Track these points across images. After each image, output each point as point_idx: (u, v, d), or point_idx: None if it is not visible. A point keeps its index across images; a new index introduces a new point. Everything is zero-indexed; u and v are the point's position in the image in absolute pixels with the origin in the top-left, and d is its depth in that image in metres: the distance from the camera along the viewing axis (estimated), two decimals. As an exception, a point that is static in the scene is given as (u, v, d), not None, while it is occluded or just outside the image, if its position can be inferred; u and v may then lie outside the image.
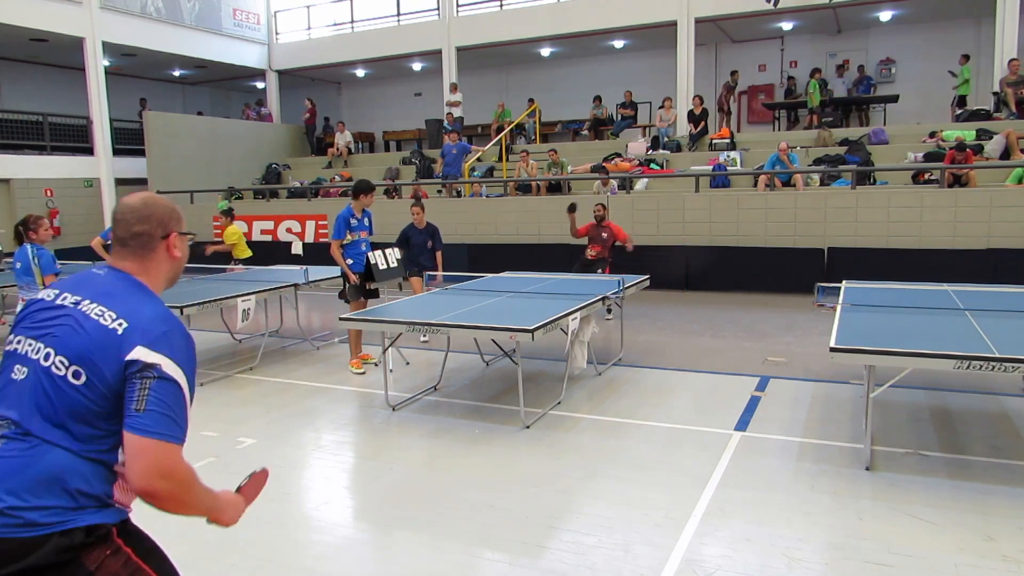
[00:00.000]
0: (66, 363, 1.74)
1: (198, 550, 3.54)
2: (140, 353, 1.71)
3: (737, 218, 11.21)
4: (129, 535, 1.85)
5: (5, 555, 1.64)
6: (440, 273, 7.95)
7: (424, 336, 6.11)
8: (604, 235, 9.54)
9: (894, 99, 15.07)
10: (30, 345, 1.81)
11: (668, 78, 16.31)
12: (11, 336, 1.87)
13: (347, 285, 6.97)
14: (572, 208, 9.48)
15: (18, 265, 6.10)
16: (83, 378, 1.73)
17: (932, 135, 12.73)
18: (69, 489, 1.70)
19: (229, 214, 10.88)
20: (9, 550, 1.64)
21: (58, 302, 1.84)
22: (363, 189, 6.97)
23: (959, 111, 13.89)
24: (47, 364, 1.76)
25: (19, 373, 1.79)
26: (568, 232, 9.86)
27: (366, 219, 7.09)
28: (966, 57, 14.33)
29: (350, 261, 6.91)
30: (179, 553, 3.52)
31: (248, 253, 10.85)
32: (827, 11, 15.08)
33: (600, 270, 9.65)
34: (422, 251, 8.15)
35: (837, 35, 17.09)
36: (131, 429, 1.68)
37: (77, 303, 1.82)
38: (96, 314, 1.78)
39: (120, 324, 1.76)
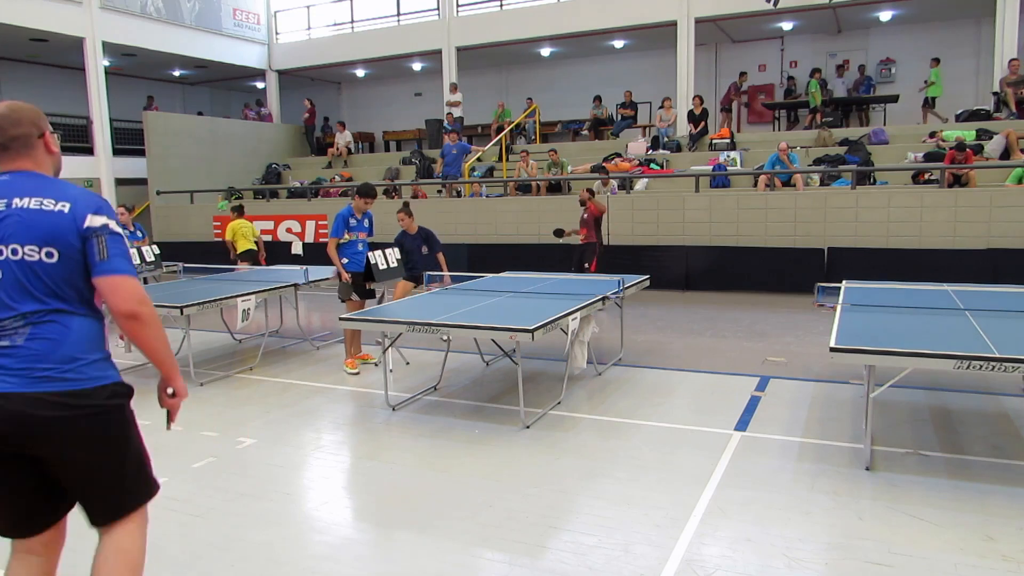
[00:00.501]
0: (36, 249, 2.14)
1: (198, 550, 3.54)
2: (91, 220, 2.17)
3: (737, 218, 11.21)
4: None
5: (81, 400, 2.14)
6: (445, 273, 7.92)
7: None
8: (585, 216, 9.93)
9: (894, 99, 15.08)
10: None
11: (668, 78, 16.31)
12: None
13: (340, 283, 6.99)
14: (559, 233, 9.85)
15: None
16: (55, 256, 2.15)
17: (932, 135, 12.74)
18: (99, 343, 2.24)
19: (239, 210, 11.05)
20: (85, 396, 2.14)
21: None
22: (364, 193, 6.98)
23: (959, 112, 13.90)
24: (17, 257, 2.14)
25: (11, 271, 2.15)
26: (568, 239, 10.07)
27: (366, 220, 7.11)
28: (936, 60, 14.42)
29: (345, 260, 6.93)
30: (179, 552, 3.54)
31: (248, 245, 10.93)
32: (827, 11, 15.08)
33: (587, 264, 9.89)
34: (417, 256, 8.08)
35: (837, 35, 17.10)
36: (104, 272, 2.16)
37: (9, 203, 2.17)
38: (35, 205, 2.16)
39: (64, 206, 2.18)
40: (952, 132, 12.63)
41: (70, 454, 2.16)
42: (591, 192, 10.20)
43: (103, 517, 2.27)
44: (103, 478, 2.24)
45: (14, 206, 2.16)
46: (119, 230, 2.25)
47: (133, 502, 2.30)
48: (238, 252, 10.93)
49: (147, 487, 2.35)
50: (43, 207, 2.16)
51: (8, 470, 2.18)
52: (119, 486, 2.27)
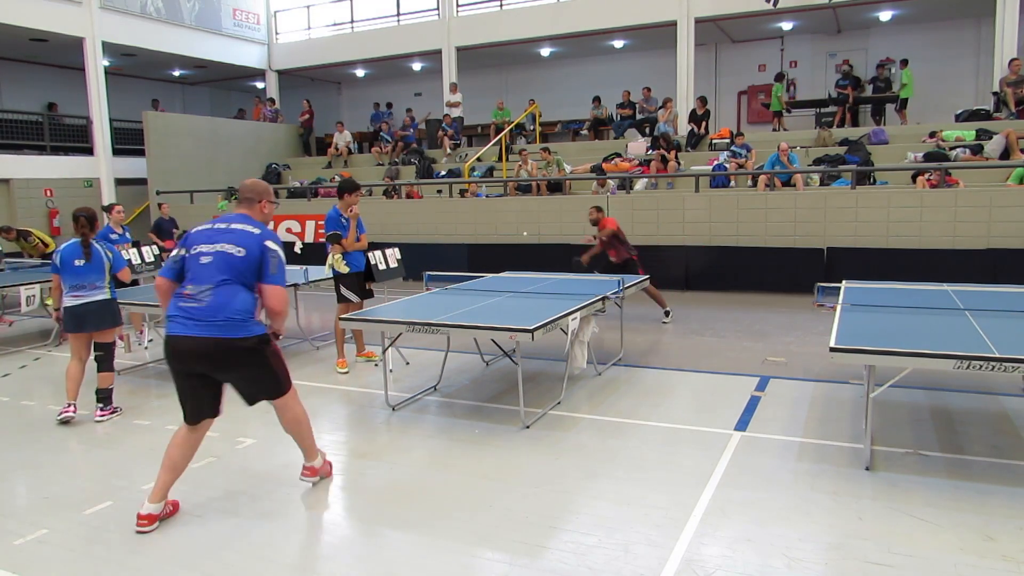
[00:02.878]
0: (235, 248, 3.76)
1: (199, 550, 3.54)
2: (269, 244, 3.80)
3: (737, 218, 11.20)
4: (274, 344, 3.94)
5: (235, 345, 3.71)
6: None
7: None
8: (604, 237, 8.94)
9: (894, 99, 15.07)
10: (208, 247, 3.78)
11: (668, 78, 16.31)
12: (186, 248, 3.86)
13: (340, 285, 6.96)
14: (578, 265, 8.97)
15: (79, 262, 5.56)
16: (243, 253, 3.75)
17: (932, 135, 12.74)
18: (245, 306, 3.75)
19: (7, 230, 10.49)
20: (237, 342, 3.71)
21: (218, 226, 3.87)
22: (347, 188, 6.94)
23: (959, 112, 13.89)
24: (225, 251, 3.77)
25: (206, 259, 3.76)
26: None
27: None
28: (904, 62, 14.46)
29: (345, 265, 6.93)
30: (180, 552, 3.54)
31: None
32: (827, 11, 15.08)
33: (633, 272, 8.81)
34: None
35: (837, 35, 17.09)
36: (271, 281, 3.77)
37: (229, 226, 3.85)
38: (241, 227, 3.84)
39: (256, 230, 3.85)
40: (952, 132, 12.64)
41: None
42: (599, 209, 9.27)
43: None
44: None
45: (231, 229, 3.85)
46: (281, 254, 3.85)
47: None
48: None
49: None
50: (244, 231, 3.83)
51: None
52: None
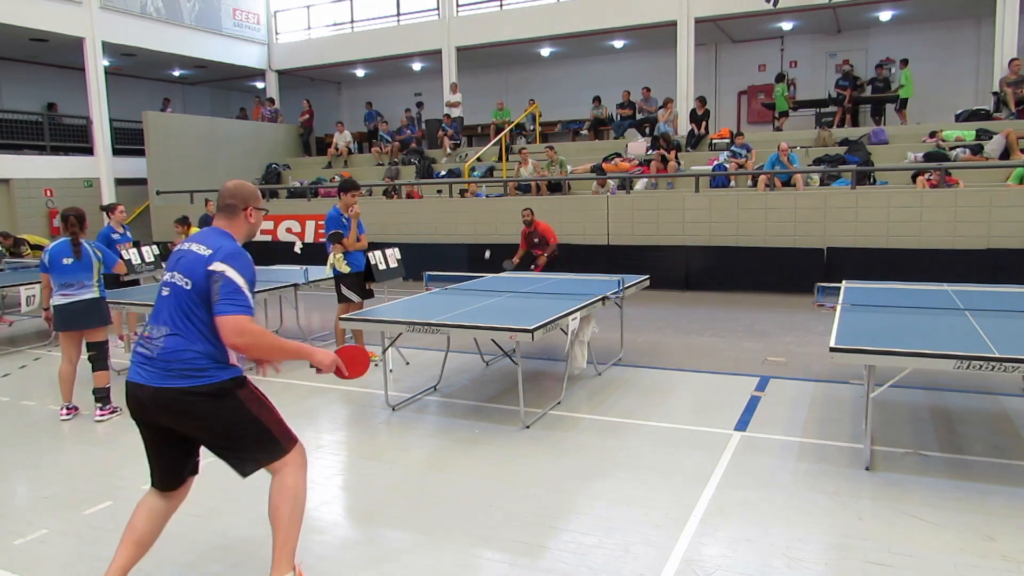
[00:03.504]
0: (184, 279, 2.93)
1: (198, 550, 3.54)
2: (214, 266, 2.88)
3: (737, 218, 11.20)
4: (248, 383, 3.04)
5: (195, 392, 2.86)
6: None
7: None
8: (536, 239, 10.11)
9: (894, 99, 15.06)
10: (170, 275, 3.00)
11: (668, 78, 16.31)
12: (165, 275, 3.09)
13: (340, 285, 6.95)
14: (508, 267, 9.96)
15: (67, 260, 5.58)
16: (190, 285, 2.91)
17: (932, 135, 12.74)
18: (205, 353, 2.90)
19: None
20: (197, 390, 2.86)
21: (183, 246, 3.06)
22: (344, 187, 6.94)
23: (959, 111, 13.89)
24: (180, 283, 2.94)
25: (165, 291, 3.00)
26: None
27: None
28: (904, 62, 14.46)
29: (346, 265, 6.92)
30: (180, 552, 3.54)
31: None
32: (827, 11, 15.07)
33: (532, 266, 10.12)
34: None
35: (837, 35, 17.09)
36: (219, 312, 2.84)
37: (189, 247, 3.00)
38: (196, 249, 2.97)
39: (208, 251, 2.93)
40: (952, 132, 12.63)
41: None
42: (531, 211, 10.40)
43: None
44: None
45: (189, 248, 3.03)
46: (235, 276, 2.90)
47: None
48: None
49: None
50: (199, 251, 2.96)
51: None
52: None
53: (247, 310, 2.85)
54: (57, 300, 5.64)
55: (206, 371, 2.88)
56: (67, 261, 5.62)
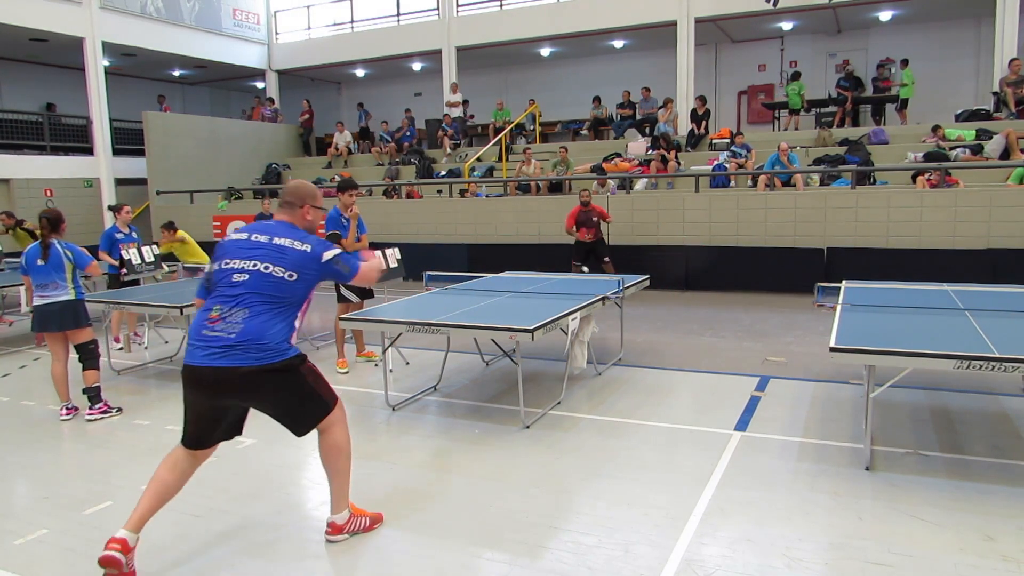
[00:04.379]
0: (283, 270, 3.30)
1: (198, 550, 3.54)
2: (325, 256, 3.39)
3: (737, 218, 11.21)
4: (309, 362, 3.47)
5: (267, 371, 3.22)
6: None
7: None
8: (594, 218, 10.60)
9: (894, 99, 15.07)
10: (243, 263, 3.29)
11: (668, 78, 16.31)
12: (218, 262, 3.36)
13: (340, 285, 6.96)
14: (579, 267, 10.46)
15: (39, 262, 5.61)
16: (295, 277, 3.32)
17: (935, 129, 12.68)
18: (281, 335, 3.28)
19: (170, 227, 10.24)
20: (269, 367, 3.22)
21: (256, 238, 3.37)
22: (342, 187, 6.94)
23: (959, 111, 13.89)
24: (266, 271, 3.29)
25: (240, 276, 3.28)
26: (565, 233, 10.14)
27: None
28: (905, 62, 14.47)
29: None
30: (180, 553, 3.54)
31: (194, 257, 10.25)
32: (827, 11, 15.08)
33: (606, 257, 10.57)
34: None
35: (837, 35, 17.09)
36: (351, 279, 3.52)
37: (270, 239, 3.36)
38: (287, 243, 3.36)
39: (307, 246, 3.38)
40: (954, 131, 12.63)
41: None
42: (588, 192, 10.93)
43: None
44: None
45: (271, 241, 3.36)
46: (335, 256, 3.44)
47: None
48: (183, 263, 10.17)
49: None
50: (292, 245, 3.36)
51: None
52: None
53: (357, 257, 3.64)
54: (36, 301, 5.70)
55: (279, 350, 3.25)
56: (40, 263, 5.66)
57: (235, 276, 3.25)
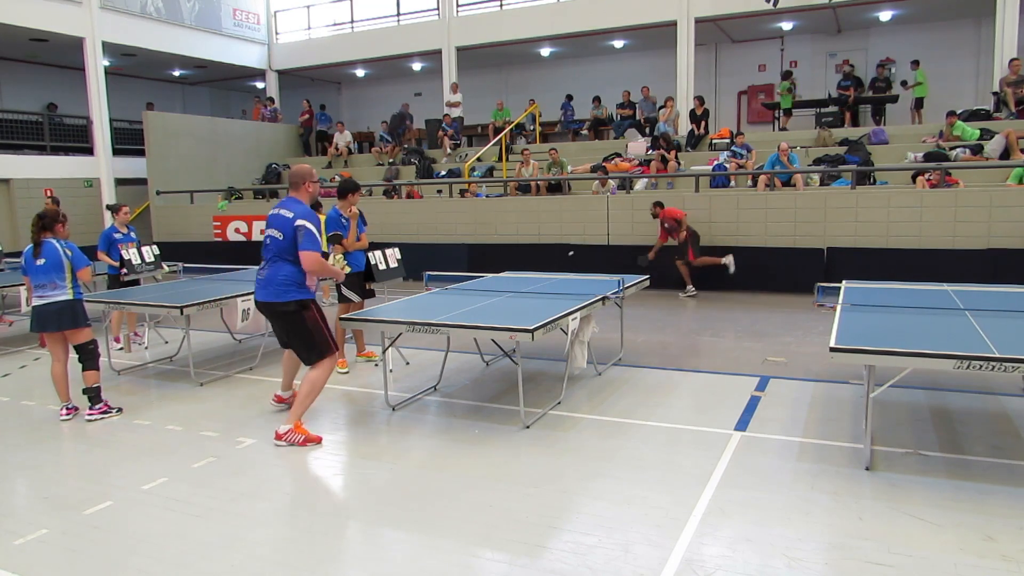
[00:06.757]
0: (278, 232, 4.84)
1: (198, 550, 3.54)
2: (298, 223, 4.78)
3: (737, 218, 11.21)
4: (312, 311, 5.00)
5: (278, 307, 4.93)
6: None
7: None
8: (667, 225, 10.89)
9: (894, 99, 15.08)
10: (269, 231, 4.93)
11: (668, 78, 16.31)
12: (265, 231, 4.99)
13: (340, 286, 6.96)
14: (643, 262, 10.68)
15: (40, 262, 5.57)
16: (282, 236, 4.83)
17: (949, 116, 12.57)
18: (285, 280, 4.87)
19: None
20: (279, 305, 4.91)
21: (274, 212, 4.93)
22: (349, 188, 6.93)
23: (959, 111, 13.88)
24: (274, 234, 4.88)
25: (267, 240, 4.93)
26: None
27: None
28: (916, 63, 14.49)
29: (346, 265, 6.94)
30: (180, 553, 3.54)
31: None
32: (827, 11, 15.08)
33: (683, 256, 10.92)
34: None
35: (837, 35, 17.10)
36: (302, 249, 4.76)
37: (279, 212, 4.90)
38: (285, 213, 4.86)
39: (291, 215, 4.82)
40: (967, 128, 12.57)
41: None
42: (658, 205, 11.07)
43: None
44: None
45: (278, 211, 4.94)
46: (311, 227, 4.80)
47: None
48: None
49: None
50: (282, 214, 4.88)
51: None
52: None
53: (317, 247, 4.79)
54: (34, 301, 5.66)
55: (288, 291, 4.83)
56: (39, 262, 5.63)
57: (266, 240, 4.92)
